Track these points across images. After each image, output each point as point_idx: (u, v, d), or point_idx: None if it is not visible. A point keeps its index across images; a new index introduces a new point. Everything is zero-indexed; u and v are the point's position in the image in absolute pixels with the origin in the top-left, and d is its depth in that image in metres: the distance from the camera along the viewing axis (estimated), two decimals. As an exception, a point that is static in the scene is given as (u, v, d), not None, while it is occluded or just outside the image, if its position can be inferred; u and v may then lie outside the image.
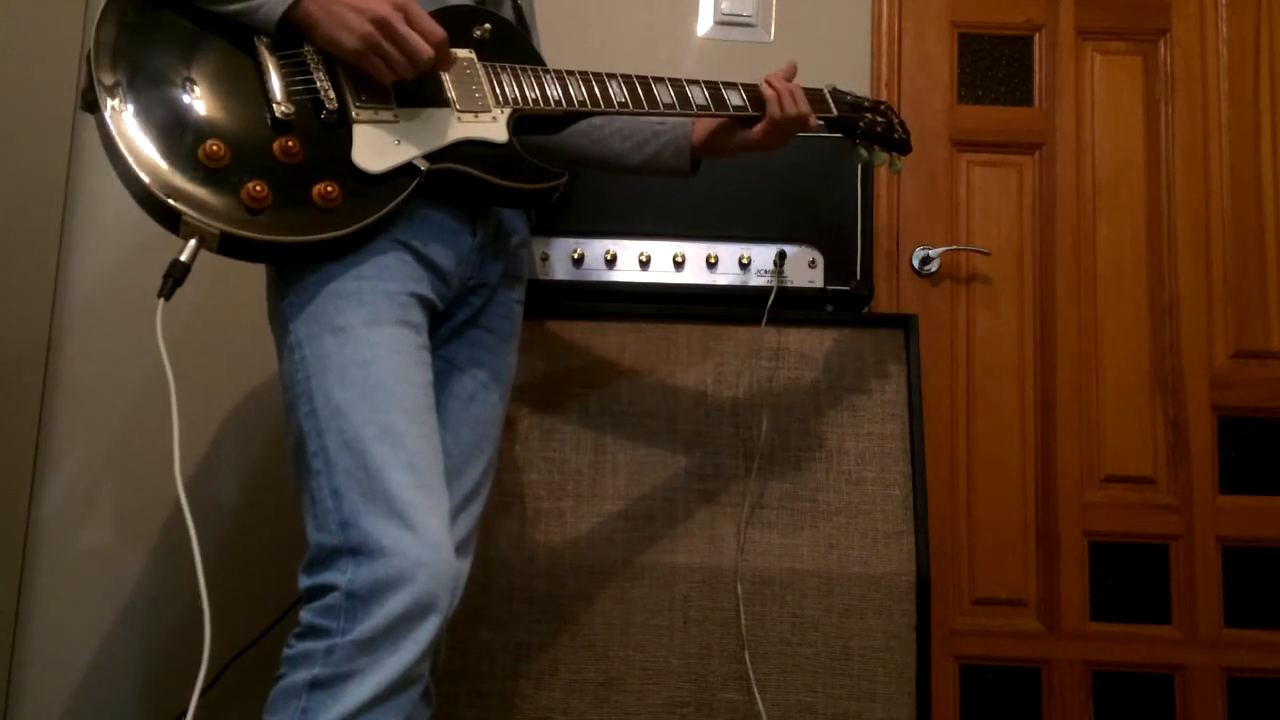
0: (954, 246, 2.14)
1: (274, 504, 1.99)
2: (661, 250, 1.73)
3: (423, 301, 1.18)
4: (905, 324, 1.70)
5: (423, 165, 1.14)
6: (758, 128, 1.39)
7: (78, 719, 1.95)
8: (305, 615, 1.05)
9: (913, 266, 2.13)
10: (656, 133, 1.45)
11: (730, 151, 1.44)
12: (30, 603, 1.96)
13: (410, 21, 1.10)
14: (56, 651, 1.96)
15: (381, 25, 1.08)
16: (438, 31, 1.12)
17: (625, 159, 1.47)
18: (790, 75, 1.41)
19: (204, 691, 1.76)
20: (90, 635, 1.97)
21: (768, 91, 1.38)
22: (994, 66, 2.22)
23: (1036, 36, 2.22)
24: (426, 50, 1.11)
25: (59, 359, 2.01)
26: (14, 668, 1.94)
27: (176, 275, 1.03)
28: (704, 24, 2.21)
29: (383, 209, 1.11)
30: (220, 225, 1.02)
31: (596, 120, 1.47)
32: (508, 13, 1.35)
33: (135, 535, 2.00)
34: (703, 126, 1.44)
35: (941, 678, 2.02)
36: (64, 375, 2.01)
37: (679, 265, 1.73)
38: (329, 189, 1.08)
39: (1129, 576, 2.07)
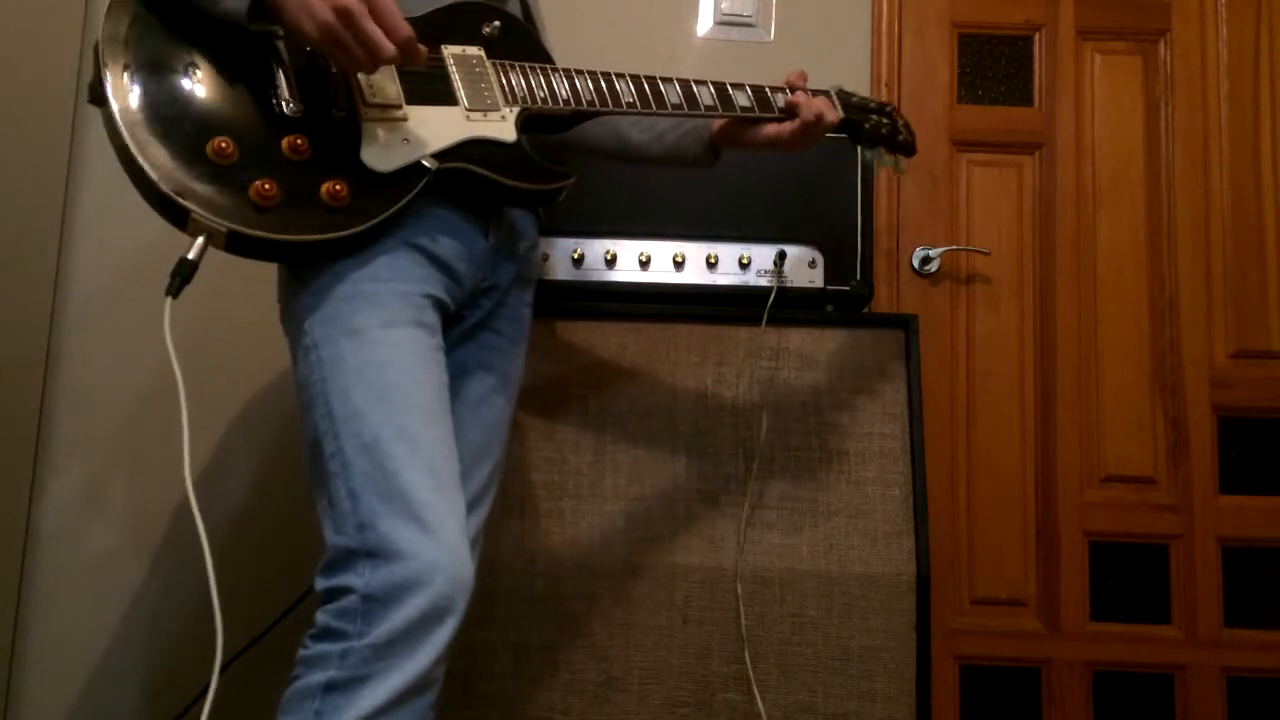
0: (954, 246, 2.14)
1: (276, 505, 1.98)
2: (661, 250, 1.73)
3: (436, 303, 1.17)
4: (905, 324, 1.70)
5: (431, 164, 1.13)
6: (789, 129, 1.37)
7: (78, 722, 1.95)
8: (321, 617, 1.04)
9: (913, 266, 2.13)
10: (676, 123, 1.44)
11: (751, 144, 1.41)
12: (30, 608, 1.95)
13: (376, 16, 1.06)
14: (56, 657, 1.95)
15: (344, 16, 1.04)
16: (403, 28, 1.08)
17: (646, 149, 1.46)
18: (804, 79, 1.40)
19: (201, 692, 1.76)
20: (91, 640, 1.96)
21: (799, 95, 1.37)
22: (994, 66, 2.22)
23: (1036, 36, 2.22)
24: (389, 48, 1.06)
25: (60, 359, 2.01)
26: (14, 673, 1.93)
27: (184, 273, 1.02)
28: (704, 24, 2.21)
29: (391, 208, 1.11)
30: (228, 223, 1.02)
31: None
32: (514, 9, 1.34)
33: (137, 539, 1.98)
34: (719, 120, 1.42)
35: (941, 678, 2.02)
36: (65, 376, 2.01)
37: (679, 265, 1.72)
38: (338, 187, 1.08)
39: (1129, 576, 2.07)
